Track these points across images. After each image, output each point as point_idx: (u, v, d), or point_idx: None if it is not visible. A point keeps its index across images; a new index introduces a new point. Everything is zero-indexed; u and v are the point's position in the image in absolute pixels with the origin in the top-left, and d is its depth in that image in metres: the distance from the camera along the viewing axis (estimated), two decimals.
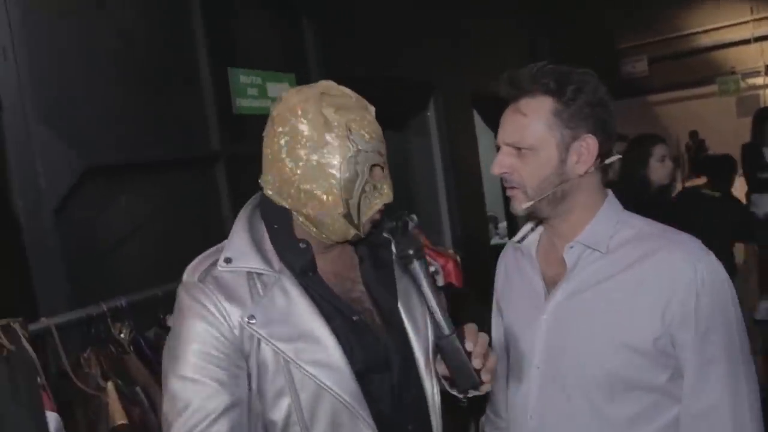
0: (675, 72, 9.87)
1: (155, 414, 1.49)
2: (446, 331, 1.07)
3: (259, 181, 1.18)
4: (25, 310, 1.56)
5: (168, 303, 1.77)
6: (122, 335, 1.61)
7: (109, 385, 1.45)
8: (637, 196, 2.59)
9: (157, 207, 2.23)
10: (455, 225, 3.99)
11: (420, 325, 1.22)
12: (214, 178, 2.46)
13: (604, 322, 1.14)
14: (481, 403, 1.56)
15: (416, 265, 1.11)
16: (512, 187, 1.20)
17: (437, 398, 1.20)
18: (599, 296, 1.15)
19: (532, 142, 1.15)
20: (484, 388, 1.09)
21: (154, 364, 1.59)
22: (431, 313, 1.11)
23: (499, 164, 1.20)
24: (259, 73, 2.69)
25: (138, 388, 1.52)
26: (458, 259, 2.79)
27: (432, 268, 2.53)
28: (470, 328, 1.08)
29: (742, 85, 9.51)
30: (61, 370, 1.52)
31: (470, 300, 2.57)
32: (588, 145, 1.15)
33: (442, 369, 1.09)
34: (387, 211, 1.19)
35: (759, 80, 9.64)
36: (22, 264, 1.84)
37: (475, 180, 4.46)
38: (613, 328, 1.13)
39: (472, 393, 1.17)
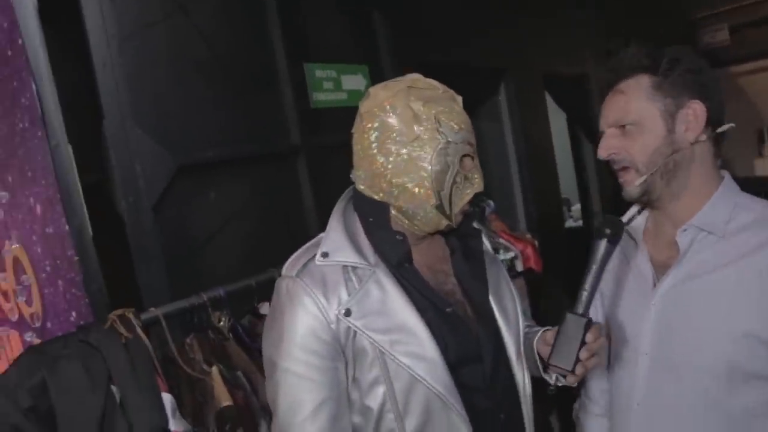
0: (760, 39, 9.25)
1: (257, 397, 1.58)
2: (581, 310, 1.08)
3: (351, 176, 1.22)
4: (129, 302, 1.68)
5: (260, 292, 1.87)
6: (221, 323, 1.71)
7: (214, 369, 1.55)
8: None
9: (243, 201, 2.34)
10: (530, 209, 3.94)
11: (510, 316, 1.23)
12: (296, 171, 2.54)
13: (721, 310, 1.10)
14: (569, 390, 1.56)
15: (600, 244, 1.10)
16: (622, 168, 1.18)
17: (528, 388, 1.22)
18: (715, 283, 1.11)
19: (634, 117, 1.14)
20: (570, 380, 1.10)
21: (252, 350, 1.68)
22: (581, 289, 1.11)
23: (606, 147, 1.19)
24: (334, 66, 2.74)
25: (239, 373, 1.61)
26: (536, 243, 2.77)
27: (511, 254, 2.53)
28: (599, 326, 1.10)
29: None
30: (168, 356, 1.63)
31: (551, 284, 2.55)
32: (695, 111, 1.13)
33: (550, 336, 1.11)
34: (610, 217, 1.19)
35: None
36: (126, 260, 1.99)
37: (549, 162, 4.38)
38: (732, 317, 1.09)
39: (563, 382, 1.18)
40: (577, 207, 6.09)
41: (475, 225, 1.29)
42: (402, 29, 3.07)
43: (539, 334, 1.21)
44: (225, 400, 1.48)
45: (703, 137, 1.15)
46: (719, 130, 1.17)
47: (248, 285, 1.81)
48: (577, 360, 1.06)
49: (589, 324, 1.07)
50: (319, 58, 2.70)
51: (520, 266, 2.56)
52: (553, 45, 4.34)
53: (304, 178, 2.51)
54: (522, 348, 1.23)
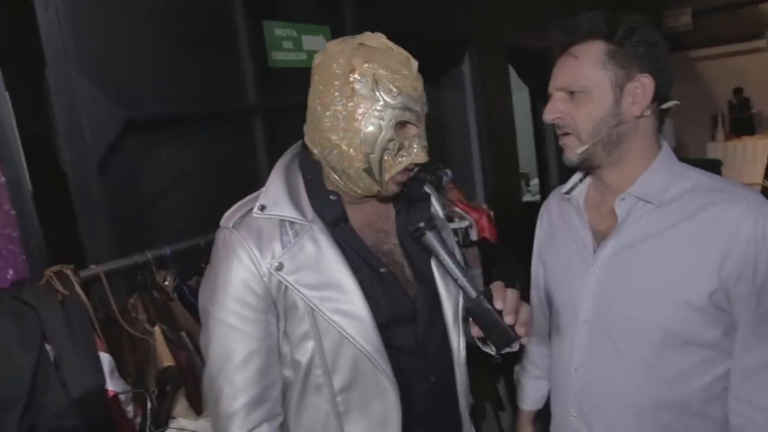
0: (720, 26, 9.42)
1: (200, 357, 1.55)
2: (473, 294, 1.08)
3: (304, 128, 1.20)
4: (71, 259, 1.62)
5: (209, 252, 1.82)
6: (166, 283, 1.67)
7: (156, 330, 1.51)
8: None
9: (197, 159, 2.27)
10: (488, 180, 3.97)
11: (450, 281, 1.23)
12: (251, 131, 2.48)
13: (657, 277, 1.12)
14: (512, 355, 1.59)
15: (429, 237, 1.12)
16: (565, 134, 1.18)
17: (463, 353, 1.23)
18: (652, 250, 1.13)
19: (585, 83, 1.13)
20: (523, 341, 1.09)
21: (197, 310, 1.65)
22: (454, 280, 1.12)
23: (552, 110, 1.18)
24: (294, 25, 2.67)
25: (183, 333, 1.59)
26: (492, 213, 2.79)
27: (466, 223, 2.54)
28: (497, 286, 1.08)
29: None
30: (109, 315, 1.59)
31: (504, 254, 2.57)
32: (643, 85, 1.13)
33: (477, 332, 1.10)
34: (411, 213, 1.18)
35: None
36: (68, 215, 1.91)
37: (509, 135, 4.40)
38: (667, 283, 1.11)
39: (506, 349, 1.19)
40: (535, 182, 6.18)
41: (426, 189, 1.27)
42: None
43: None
44: (167, 360, 1.45)
45: (648, 112, 1.15)
46: (664, 106, 1.18)
47: (196, 244, 1.77)
48: (511, 327, 1.05)
49: (488, 296, 1.05)
50: (280, 16, 2.62)
51: (474, 235, 2.57)
52: (519, 18, 4.33)
53: (260, 138, 2.46)
54: (460, 313, 1.23)
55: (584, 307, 1.22)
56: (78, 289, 1.40)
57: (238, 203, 1.18)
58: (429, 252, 1.15)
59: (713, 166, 5.52)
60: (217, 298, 1.10)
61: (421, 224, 1.12)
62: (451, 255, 1.13)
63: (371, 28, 1.17)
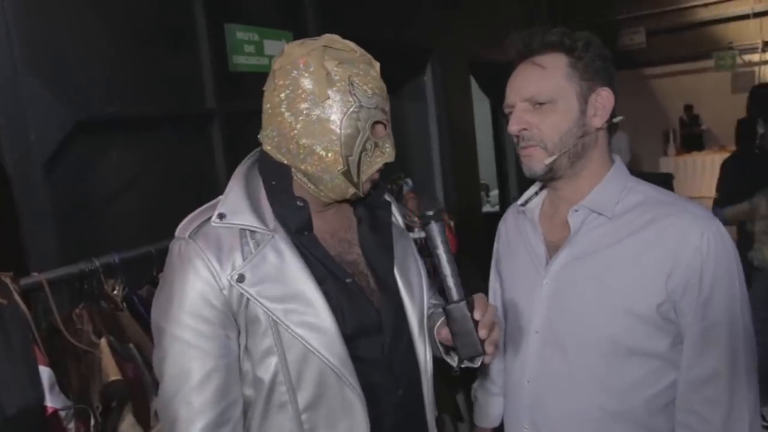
0: (672, 45, 9.77)
1: (149, 370, 1.48)
2: (456, 296, 1.05)
3: (258, 136, 1.15)
4: (14, 266, 1.53)
5: (161, 260, 1.75)
6: (115, 292, 1.59)
7: (102, 341, 1.44)
8: None
9: (150, 164, 2.19)
10: (449, 191, 3.98)
11: (415, 291, 1.21)
12: (210, 136, 2.41)
13: (607, 288, 1.13)
14: (472, 369, 1.57)
15: (433, 227, 1.08)
16: (529, 146, 1.17)
17: (429, 364, 1.20)
18: (603, 261, 1.15)
19: (551, 94, 1.14)
20: (486, 359, 1.08)
21: (147, 321, 1.57)
22: (444, 277, 1.08)
23: (517, 120, 1.17)
24: (257, 29, 2.62)
25: (131, 345, 1.51)
26: (452, 224, 2.78)
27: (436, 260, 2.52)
28: (480, 298, 1.07)
29: (739, 61, 9.45)
30: (53, 325, 1.50)
31: (465, 265, 2.56)
32: (603, 98, 1.15)
33: (445, 334, 1.08)
34: (382, 174, 1.16)
35: (756, 57, 9.57)
36: (11, 219, 1.81)
37: (470, 147, 4.43)
38: (616, 294, 1.13)
39: (467, 363, 1.16)
40: (495, 193, 6.24)
41: (386, 197, 1.25)
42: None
43: (438, 323, 1.20)
44: (113, 374, 1.38)
45: (604, 125, 1.18)
46: (615, 120, 1.21)
47: (147, 252, 1.69)
48: (482, 341, 1.04)
49: (470, 304, 1.04)
50: (242, 20, 2.56)
51: None
52: (481, 31, 4.37)
53: (218, 143, 2.39)
54: (425, 323, 1.20)
55: (536, 318, 1.22)
56: (17, 297, 1.32)
57: (194, 212, 1.11)
58: (429, 241, 1.09)
59: (666, 180, 5.68)
60: (172, 314, 1.03)
61: (431, 212, 1.08)
62: (449, 251, 1.09)
63: (334, 34, 1.14)
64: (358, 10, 3.21)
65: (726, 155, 4.00)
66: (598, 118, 1.16)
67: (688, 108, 10.11)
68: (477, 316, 1.04)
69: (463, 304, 1.04)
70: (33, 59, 1.81)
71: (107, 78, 2.04)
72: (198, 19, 2.34)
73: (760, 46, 9.35)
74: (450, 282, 1.06)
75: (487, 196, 6.47)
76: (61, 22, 1.91)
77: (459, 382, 2.51)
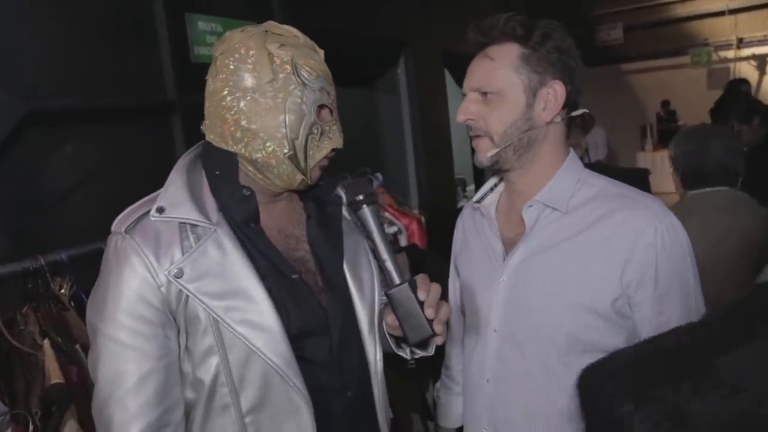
0: (649, 41, 9.83)
1: None
2: (397, 279, 1.02)
3: (201, 127, 1.10)
4: None
5: None
6: (62, 291, 1.52)
7: (46, 343, 1.37)
8: None
9: (107, 157, 2.12)
10: (422, 186, 3.94)
11: (366, 288, 1.17)
12: (170, 129, 2.34)
13: (562, 284, 1.11)
14: (439, 362, 1.53)
15: (366, 211, 1.04)
16: (477, 136, 1.16)
17: (380, 365, 1.16)
18: (558, 257, 1.12)
19: (499, 85, 1.12)
20: (437, 340, 1.05)
21: None
22: (381, 262, 1.04)
23: (464, 110, 1.16)
24: (219, 20, 2.54)
25: (78, 346, 1.45)
26: (422, 219, 2.74)
27: (395, 228, 2.48)
28: (422, 278, 1.03)
29: (714, 57, 9.55)
30: None
31: (434, 261, 2.53)
32: (555, 92, 1.12)
33: (392, 320, 1.04)
34: (350, 169, 1.12)
35: (731, 53, 9.68)
36: None
37: (445, 141, 4.40)
38: (571, 290, 1.10)
39: (420, 353, 1.13)
40: (471, 188, 6.22)
41: (338, 191, 1.20)
42: None
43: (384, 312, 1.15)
44: (55, 377, 1.32)
45: (558, 119, 1.15)
46: (573, 113, 1.18)
47: (98, 249, 1.62)
48: (429, 321, 1.00)
49: (413, 285, 1.00)
50: (204, 9, 2.49)
51: (403, 241, 2.52)
52: (455, 23, 4.32)
53: (179, 136, 2.32)
54: (376, 322, 1.16)
55: (494, 316, 1.19)
56: None
57: (132, 206, 1.06)
58: (362, 227, 1.07)
59: (641, 175, 5.68)
60: (107, 313, 0.98)
61: (361, 196, 1.04)
62: (384, 235, 1.06)
63: (300, 27, 1.12)
64: (327, 2, 3.15)
65: None
66: (547, 112, 1.13)
67: (665, 103, 10.20)
68: (421, 296, 1.00)
69: (405, 285, 1.00)
70: None
71: (61, 68, 1.96)
72: (157, 8, 2.27)
73: (734, 42, 9.46)
74: (389, 266, 1.03)
75: (464, 191, 6.45)
76: (11, 9, 1.83)
77: (428, 380, 2.47)
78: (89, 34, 2.05)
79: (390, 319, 1.05)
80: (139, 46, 2.24)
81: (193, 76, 2.41)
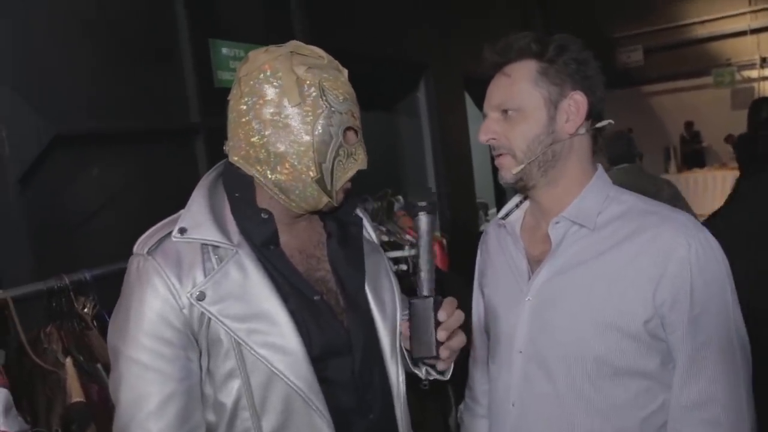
0: (670, 63, 9.80)
1: None
2: (425, 291, 1.01)
3: (224, 147, 1.10)
4: None
5: None
6: (86, 310, 1.53)
7: (68, 361, 1.37)
8: None
9: (132, 179, 2.15)
10: (444, 209, 3.92)
11: (387, 308, 1.15)
12: (193, 152, 2.38)
13: (590, 303, 1.07)
14: (462, 390, 1.50)
15: (422, 217, 1.04)
16: (500, 155, 1.14)
17: (402, 386, 1.14)
18: (586, 275, 1.08)
19: (518, 102, 1.10)
20: (439, 365, 1.03)
21: None
22: (418, 271, 1.03)
23: (486, 130, 1.14)
24: (242, 45, 2.59)
25: (99, 365, 1.45)
26: (444, 242, 2.72)
27: (415, 251, 2.46)
28: (450, 301, 1.02)
29: (737, 77, 9.46)
30: (21, 344, 1.44)
31: (455, 284, 2.50)
32: (576, 102, 1.10)
33: (405, 329, 1.03)
34: (371, 191, 1.12)
35: (754, 72, 9.59)
36: None
37: (466, 164, 4.39)
38: (600, 310, 1.06)
39: (435, 376, 1.12)
40: (493, 211, 6.18)
41: (358, 212, 1.20)
42: (320, 13, 2.96)
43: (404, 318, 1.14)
44: (76, 395, 1.31)
45: (582, 130, 1.12)
46: (598, 125, 1.15)
47: (122, 269, 1.63)
48: (438, 343, 0.99)
49: (437, 303, 0.99)
50: (227, 35, 2.54)
51: None
52: (475, 47, 4.35)
53: (202, 159, 2.35)
54: (398, 343, 1.14)
55: (519, 337, 1.15)
56: None
57: (154, 227, 1.06)
58: (416, 231, 1.07)
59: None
60: (129, 334, 0.97)
61: (424, 203, 1.04)
62: (430, 246, 1.05)
63: (322, 48, 1.11)
64: (348, 24, 3.19)
65: (727, 172, 3.93)
66: (570, 124, 1.10)
67: (689, 124, 10.10)
68: (441, 317, 0.99)
69: (430, 299, 0.99)
70: (10, 70, 1.78)
71: (89, 92, 2.01)
72: (182, 34, 2.32)
73: (758, 61, 9.37)
74: (424, 275, 1.02)
75: (486, 215, 6.41)
76: (42, 34, 1.88)
77: (450, 403, 2.43)
78: (117, 58, 2.10)
79: (404, 327, 1.04)
80: (164, 70, 2.29)
81: (217, 99, 2.46)
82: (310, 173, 1.02)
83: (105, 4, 2.07)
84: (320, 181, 1.03)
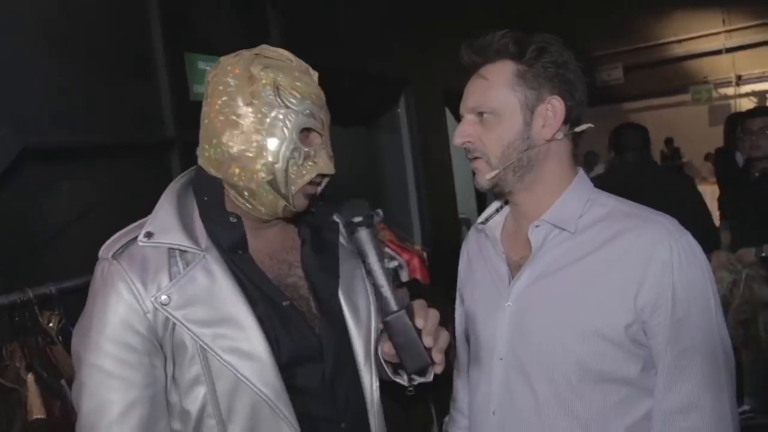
0: (649, 80, 9.95)
1: None
2: (394, 307, 0.97)
3: (197, 151, 1.09)
4: None
5: None
6: (51, 324, 1.49)
7: (29, 378, 1.33)
8: None
9: (105, 194, 2.11)
10: (425, 223, 3.91)
11: (362, 315, 1.12)
12: (168, 166, 2.35)
13: (571, 309, 1.04)
14: (445, 401, 1.46)
15: (361, 234, 1.00)
16: (475, 158, 1.11)
17: (376, 394, 1.11)
18: (567, 280, 1.05)
19: (494, 105, 1.07)
20: (436, 369, 1.00)
21: None
22: (378, 288, 0.99)
23: (461, 133, 1.11)
24: (218, 59, 2.57)
25: (63, 381, 1.40)
26: (425, 255, 2.70)
27: (395, 263, 2.44)
28: (419, 304, 0.99)
29: (714, 94, 9.62)
30: None
31: (436, 297, 2.47)
32: (554, 107, 1.07)
33: (389, 348, 0.99)
34: (349, 204, 1.09)
35: (730, 90, 9.77)
36: None
37: (447, 178, 4.39)
38: (581, 315, 1.03)
39: (419, 380, 1.07)
40: None
41: (335, 218, 1.17)
42: (299, 27, 2.96)
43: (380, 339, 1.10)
44: (37, 412, 1.27)
45: (560, 135, 1.09)
46: (577, 129, 1.12)
47: (89, 282, 1.59)
48: (428, 349, 0.95)
49: (409, 312, 0.96)
50: (203, 49, 2.53)
51: (404, 276, 2.47)
52: (456, 62, 4.38)
53: (177, 173, 2.30)
54: (372, 349, 1.11)
55: (499, 343, 1.12)
56: None
57: (121, 231, 1.04)
58: (358, 251, 1.02)
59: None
60: (92, 340, 0.95)
61: (358, 218, 1.00)
62: (381, 260, 1.02)
63: None
64: (328, 40, 3.19)
65: (708, 187, 3.95)
66: (547, 129, 1.08)
67: (669, 141, 10.23)
68: (419, 324, 0.95)
69: (402, 312, 0.95)
70: None
71: (59, 105, 1.98)
72: (156, 47, 2.30)
73: (733, 79, 9.56)
74: (385, 292, 0.98)
75: (468, 229, 6.42)
76: (10, 45, 1.85)
77: (431, 413, 2.38)
78: (89, 70, 2.07)
79: (387, 347, 1.00)
80: (139, 83, 2.26)
81: (193, 113, 2.42)
82: (261, 174, 1.00)
83: (77, 15, 2.05)
84: (272, 183, 1.00)
